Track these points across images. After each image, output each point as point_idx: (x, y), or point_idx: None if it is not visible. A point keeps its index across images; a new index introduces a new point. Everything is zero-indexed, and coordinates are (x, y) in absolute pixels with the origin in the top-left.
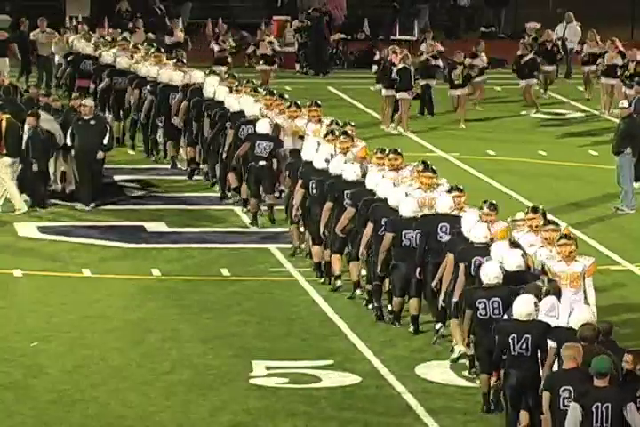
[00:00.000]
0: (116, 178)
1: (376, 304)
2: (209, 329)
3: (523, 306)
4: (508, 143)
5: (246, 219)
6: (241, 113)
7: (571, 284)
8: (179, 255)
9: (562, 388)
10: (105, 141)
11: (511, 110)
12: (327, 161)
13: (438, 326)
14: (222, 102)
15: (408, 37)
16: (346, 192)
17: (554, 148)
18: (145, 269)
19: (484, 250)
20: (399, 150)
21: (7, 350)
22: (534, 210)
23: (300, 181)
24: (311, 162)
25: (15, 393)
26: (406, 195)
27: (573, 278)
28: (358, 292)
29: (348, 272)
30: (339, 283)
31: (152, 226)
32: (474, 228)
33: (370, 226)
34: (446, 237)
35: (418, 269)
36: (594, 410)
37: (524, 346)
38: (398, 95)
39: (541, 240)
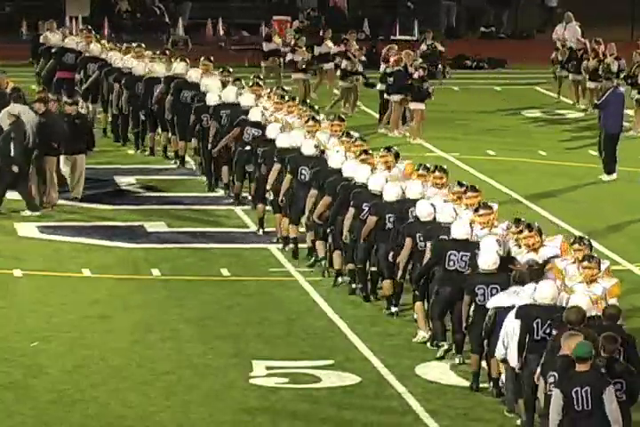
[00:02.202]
0: (116, 178)
1: (360, 285)
2: (209, 329)
3: (549, 290)
4: (508, 143)
5: (247, 219)
6: (221, 106)
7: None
8: (179, 255)
9: (549, 374)
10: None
11: (511, 110)
12: (316, 147)
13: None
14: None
15: (408, 37)
16: (327, 180)
17: (554, 148)
18: (145, 269)
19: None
20: (445, 167)
21: (7, 350)
22: (581, 240)
23: (279, 166)
24: (299, 148)
25: (15, 393)
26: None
27: (594, 300)
28: (340, 280)
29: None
30: (340, 280)
31: (152, 226)
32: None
33: (351, 211)
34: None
35: (391, 253)
36: (574, 395)
37: (548, 330)
38: (392, 98)
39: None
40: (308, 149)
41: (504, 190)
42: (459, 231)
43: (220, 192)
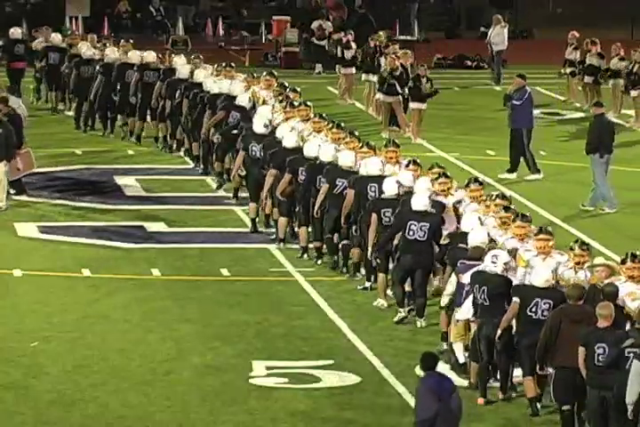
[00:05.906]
0: (116, 178)
1: (333, 257)
2: (209, 329)
3: (501, 260)
4: (508, 143)
5: (247, 219)
6: (220, 95)
7: None
8: (179, 255)
9: (597, 345)
10: None
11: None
12: (266, 126)
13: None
14: (200, 84)
15: (408, 37)
16: (287, 159)
17: (554, 148)
18: (145, 269)
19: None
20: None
21: (7, 350)
22: (634, 257)
23: (242, 145)
24: (251, 127)
25: (15, 393)
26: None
27: None
28: (306, 257)
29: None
30: (305, 256)
31: (152, 226)
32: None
33: (325, 186)
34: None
35: (354, 227)
36: None
37: (484, 296)
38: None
39: None
40: (259, 128)
41: (504, 190)
42: (418, 203)
43: (221, 192)
